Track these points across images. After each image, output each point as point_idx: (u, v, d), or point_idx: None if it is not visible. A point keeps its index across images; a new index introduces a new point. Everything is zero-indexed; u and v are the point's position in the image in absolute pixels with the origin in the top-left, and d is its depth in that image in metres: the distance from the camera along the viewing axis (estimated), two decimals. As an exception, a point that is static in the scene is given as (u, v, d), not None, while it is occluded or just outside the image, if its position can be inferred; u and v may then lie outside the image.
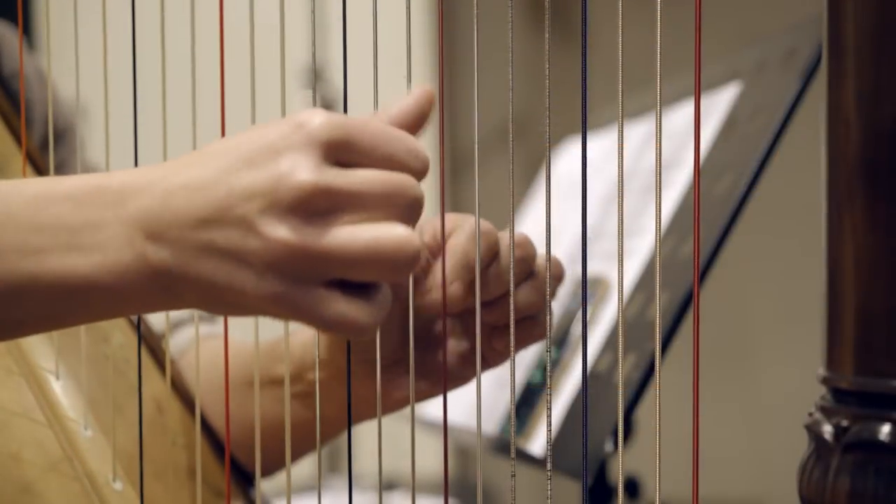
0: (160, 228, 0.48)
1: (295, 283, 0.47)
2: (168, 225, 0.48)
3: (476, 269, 0.58)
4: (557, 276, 0.66)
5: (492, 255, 0.63)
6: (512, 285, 0.57)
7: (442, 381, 0.68)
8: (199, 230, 0.47)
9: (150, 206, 0.48)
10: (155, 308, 0.52)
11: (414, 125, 0.52)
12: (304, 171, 0.47)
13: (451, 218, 0.64)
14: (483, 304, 0.61)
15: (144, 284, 0.49)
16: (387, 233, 0.47)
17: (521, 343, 0.66)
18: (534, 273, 0.65)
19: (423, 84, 0.53)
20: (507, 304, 0.64)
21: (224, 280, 0.47)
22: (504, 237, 0.64)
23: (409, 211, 0.49)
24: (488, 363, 0.68)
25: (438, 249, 0.64)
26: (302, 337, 0.72)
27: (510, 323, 0.57)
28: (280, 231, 0.46)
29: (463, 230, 0.63)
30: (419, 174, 0.50)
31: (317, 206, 0.47)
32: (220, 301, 0.49)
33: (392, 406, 0.69)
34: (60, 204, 0.49)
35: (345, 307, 0.48)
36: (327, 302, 0.47)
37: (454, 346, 0.69)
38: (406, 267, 0.48)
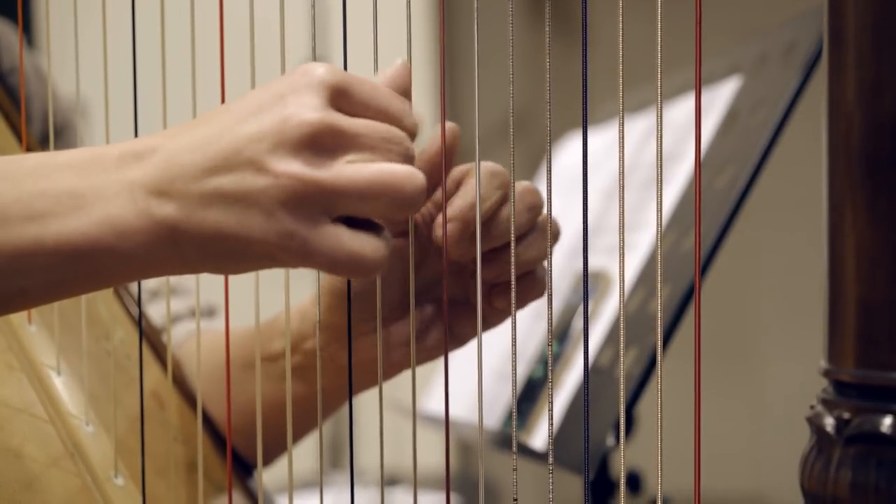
0: (165, 184, 0.48)
1: (303, 219, 0.48)
2: (173, 179, 0.48)
3: (477, 250, 0.58)
4: (554, 234, 0.66)
5: (502, 198, 0.62)
6: (513, 256, 0.57)
7: (439, 341, 0.67)
8: (206, 179, 0.48)
9: (154, 165, 0.49)
10: (158, 270, 0.51)
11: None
12: (311, 109, 0.48)
13: (461, 167, 0.64)
14: (484, 259, 0.60)
15: (149, 243, 0.49)
16: (393, 167, 0.49)
17: (521, 301, 0.65)
18: (537, 226, 0.64)
19: (400, 60, 0.55)
20: (502, 261, 0.63)
21: (231, 227, 0.48)
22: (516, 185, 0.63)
23: (404, 159, 0.50)
24: (489, 323, 0.67)
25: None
26: (299, 305, 0.71)
27: (507, 280, 0.57)
28: (290, 165, 0.47)
29: (473, 175, 0.63)
30: (410, 133, 0.52)
31: (324, 143, 0.48)
32: (225, 253, 0.49)
33: (391, 370, 0.68)
34: (62, 172, 0.50)
35: (353, 242, 0.49)
36: (335, 238, 0.48)
37: (452, 305, 0.68)
38: (413, 200, 0.49)
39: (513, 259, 0.56)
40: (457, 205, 0.61)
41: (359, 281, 0.64)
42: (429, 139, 0.63)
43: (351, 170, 0.48)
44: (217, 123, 0.49)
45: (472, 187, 0.61)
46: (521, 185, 0.62)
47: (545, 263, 0.65)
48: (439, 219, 0.62)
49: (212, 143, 0.48)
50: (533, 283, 0.65)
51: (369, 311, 0.64)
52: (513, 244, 0.57)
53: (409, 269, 0.59)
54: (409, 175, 0.49)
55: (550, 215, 0.54)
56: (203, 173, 0.48)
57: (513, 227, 0.57)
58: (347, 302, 0.61)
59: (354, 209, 0.49)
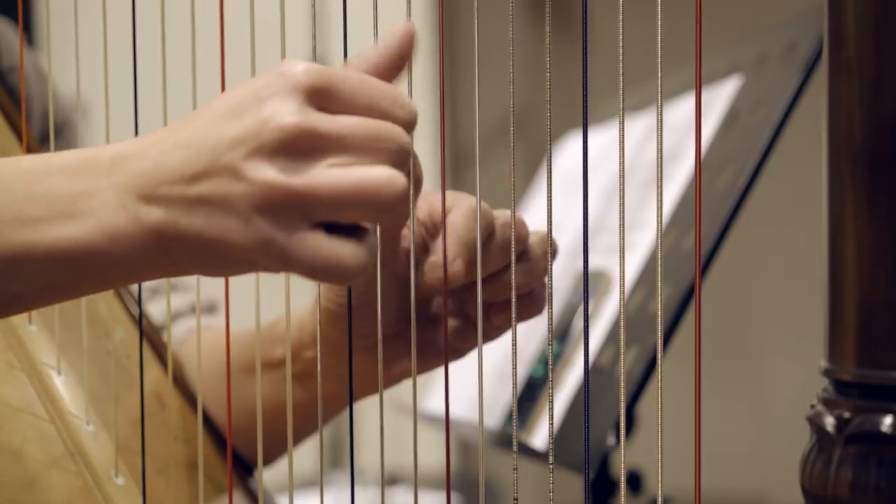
0: (152, 188, 0.48)
1: (281, 226, 0.47)
2: (159, 184, 0.48)
3: (477, 251, 0.58)
4: (552, 250, 0.66)
5: (488, 233, 0.63)
6: (514, 265, 0.57)
7: (436, 355, 0.68)
8: (189, 185, 0.48)
9: (142, 169, 0.49)
10: (151, 274, 0.51)
11: (394, 67, 0.52)
12: (287, 113, 0.47)
13: (447, 196, 0.63)
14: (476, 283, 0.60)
15: (139, 247, 0.49)
16: (372, 172, 0.47)
17: (519, 318, 0.65)
18: (525, 253, 0.64)
19: (405, 22, 0.52)
20: (498, 283, 0.64)
21: (214, 232, 0.47)
22: (497, 215, 0.64)
23: (395, 157, 0.49)
24: (487, 338, 0.67)
25: (433, 227, 0.64)
26: (297, 315, 0.72)
27: (504, 299, 0.58)
28: (264, 172, 0.47)
29: (460, 208, 0.63)
30: (406, 124, 0.50)
31: (300, 147, 0.47)
32: (212, 257, 0.49)
33: (388, 381, 0.68)
34: (55, 176, 0.49)
35: (331, 249, 0.48)
36: (314, 244, 0.47)
37: (449, 321, 0.68)
38: (392, 206, 0.48)
39: (513, 265, 0.56)
40: (448, 247, 0.61)
41: (356, 296, 0.64)
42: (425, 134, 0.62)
43: (327, 176, 0.47)
44: (198, 125, 0.49)
45: (457, 225, 0.61)
46: (503, 218, 0.63)
47: (545, 278, 0.65)
48: (431, 258, 0.62)
49: (193, 146, 0.48)
50: (532, 302, 0.65)
51: (365, 328, 0.65)
52: (513, 255, 0.57)
53: (403, 289, 0.59)
54: (387, 181, 0.47)
55: (551, 217, 0.54)
56: (186, 178, 0.48)
57: (513, 229, 0.58)
58: (348, 317, 0.62)
59: (333, 215, 0.48)
